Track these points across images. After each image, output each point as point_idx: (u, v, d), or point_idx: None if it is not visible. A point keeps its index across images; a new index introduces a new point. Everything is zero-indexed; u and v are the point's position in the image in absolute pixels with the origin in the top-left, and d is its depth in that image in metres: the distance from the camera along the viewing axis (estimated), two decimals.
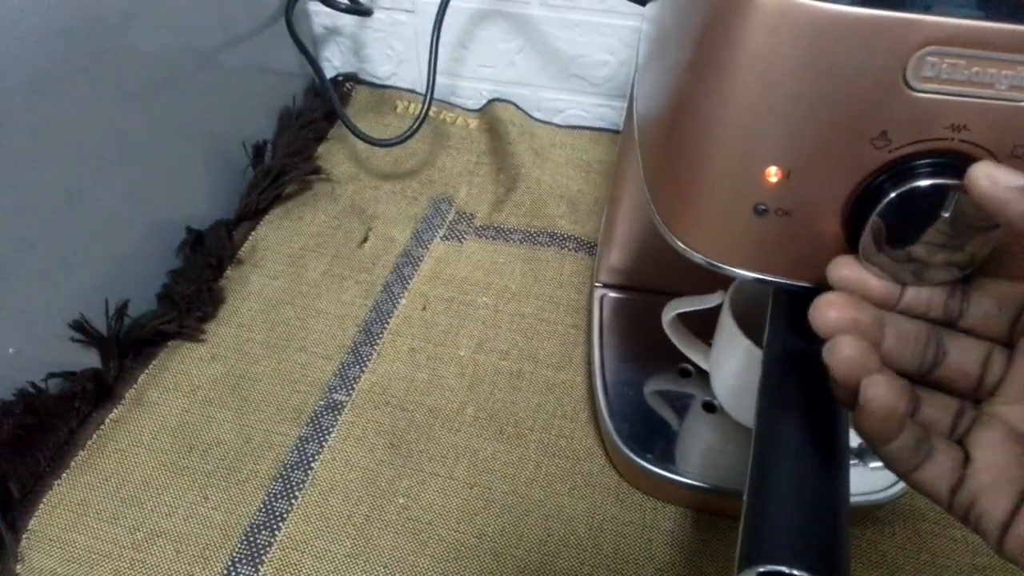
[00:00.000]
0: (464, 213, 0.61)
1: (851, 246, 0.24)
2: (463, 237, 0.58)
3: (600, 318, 0.49)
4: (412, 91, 0.70)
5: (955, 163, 0.22)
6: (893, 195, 0.22)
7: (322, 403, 0.47)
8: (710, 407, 0.44)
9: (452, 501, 0.43)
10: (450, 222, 0.60)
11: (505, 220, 0.60)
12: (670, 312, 0.42)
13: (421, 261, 0.56)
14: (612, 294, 0.50)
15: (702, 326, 0.43)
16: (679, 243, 0.28)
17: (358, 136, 0.59)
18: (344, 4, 0.61)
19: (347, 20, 0.68)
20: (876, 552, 0.41)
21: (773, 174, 0.24)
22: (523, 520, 0.42)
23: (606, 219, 0.49)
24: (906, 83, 0.21)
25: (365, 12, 0.63)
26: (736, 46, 0.23)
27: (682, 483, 0.41)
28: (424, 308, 0.53)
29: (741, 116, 0.24)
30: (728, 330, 0.39)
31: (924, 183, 0.22)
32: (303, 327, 0.52)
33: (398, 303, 0.54)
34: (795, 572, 0.23)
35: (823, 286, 0.25)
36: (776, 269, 0.27)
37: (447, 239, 0.58)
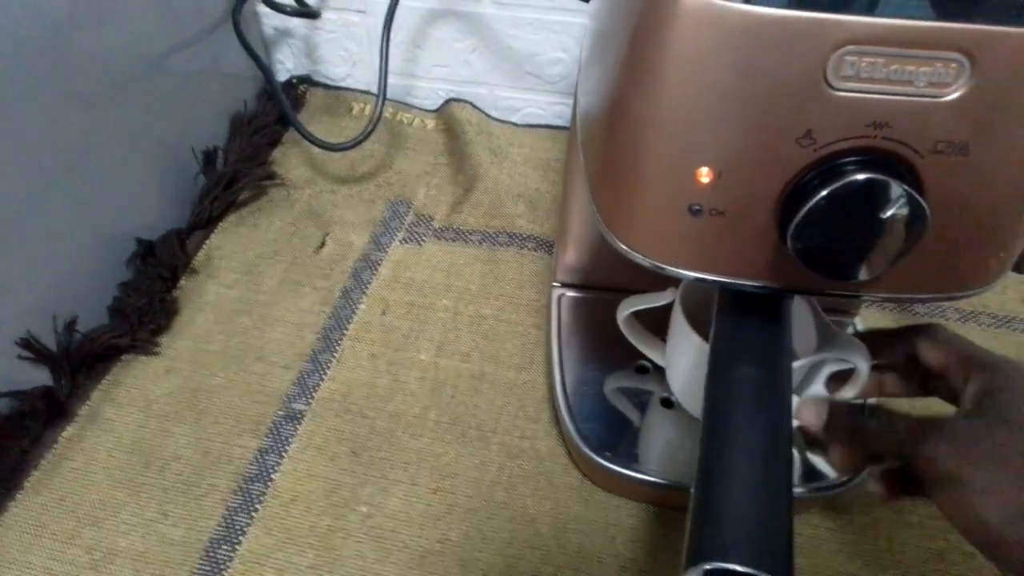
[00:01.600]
0: (423, 215, 0.60)
1: (783, 244, 0.24)
2: (422, 239, 0.58)
3: (559, 318, 0.49)
4: (368, 92, 0.70)
5: (880, 160, 0.22)
6: (822, 194, 0.22)
7: (281, 413, 0.47)
8: (668, 403, 0.44)
9: (415, 507, 0.43)
10: (408, 225, 0.59)
11: (464, 221, 0.59)
12: (624, 310, 0.43)
13: (380, 265, 0.56)
14: (570, 293, 0.50)
15: (658, 323, 0.44)
16: (621, 245, 0.28)
17: (311, 141, 0.58)
18: (290, 7, 0.60)
19: (298, 22, 0.67)
20: (835, 540, 0.42)
21: (705, 175, 0.24)
22: (487, 523, 0.42)
23: (560, 218, 0.48)
24: (827, 82, 0.21)
25: (312, 15, 0.62)
26: (663, 47, 0.23)
27: (642, 480, 0.41)
28: (384, 313, 0.53)
29: (671, 117, 0.24)
30: (680, 327, 0.39)
31: (850, 180, 0.22)
32: (260, 336, 0.51)
33: (357, 309, 0.53)
34: (739, 569, 0.23)
35: (762, 285, 0.25)
36: (715, 268, 0.27)
37: (406, 242, 0.58)
